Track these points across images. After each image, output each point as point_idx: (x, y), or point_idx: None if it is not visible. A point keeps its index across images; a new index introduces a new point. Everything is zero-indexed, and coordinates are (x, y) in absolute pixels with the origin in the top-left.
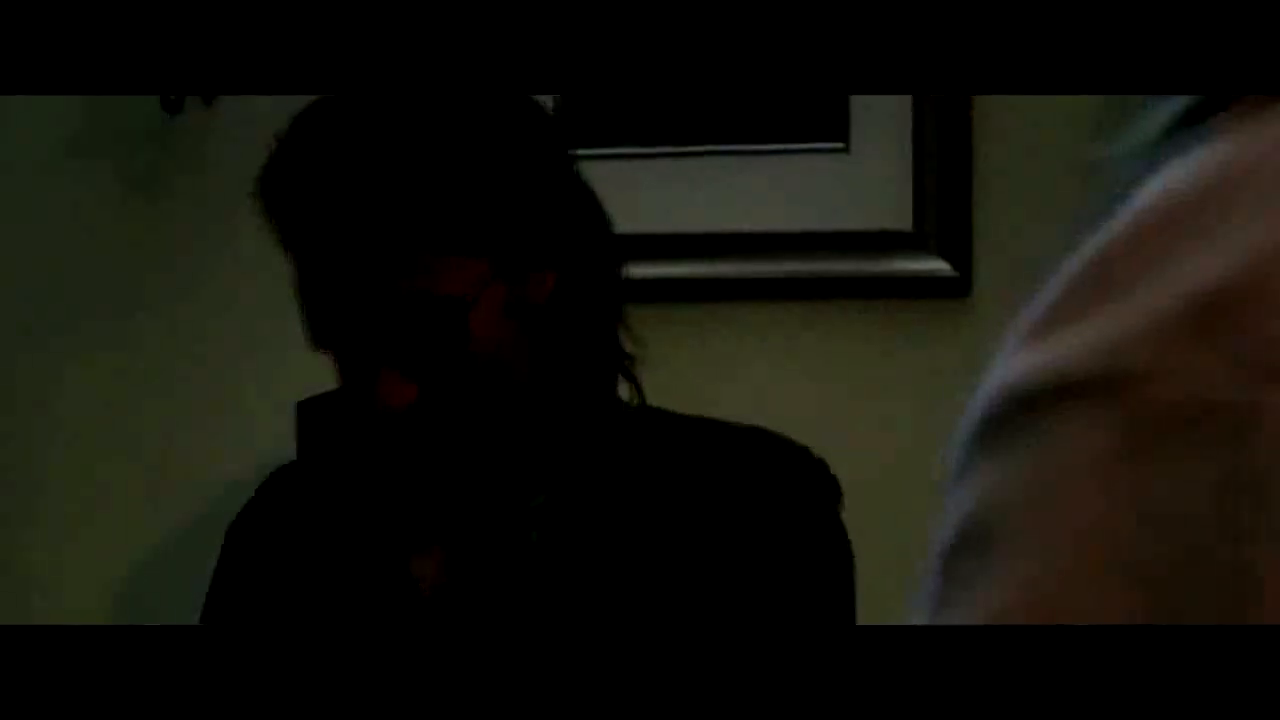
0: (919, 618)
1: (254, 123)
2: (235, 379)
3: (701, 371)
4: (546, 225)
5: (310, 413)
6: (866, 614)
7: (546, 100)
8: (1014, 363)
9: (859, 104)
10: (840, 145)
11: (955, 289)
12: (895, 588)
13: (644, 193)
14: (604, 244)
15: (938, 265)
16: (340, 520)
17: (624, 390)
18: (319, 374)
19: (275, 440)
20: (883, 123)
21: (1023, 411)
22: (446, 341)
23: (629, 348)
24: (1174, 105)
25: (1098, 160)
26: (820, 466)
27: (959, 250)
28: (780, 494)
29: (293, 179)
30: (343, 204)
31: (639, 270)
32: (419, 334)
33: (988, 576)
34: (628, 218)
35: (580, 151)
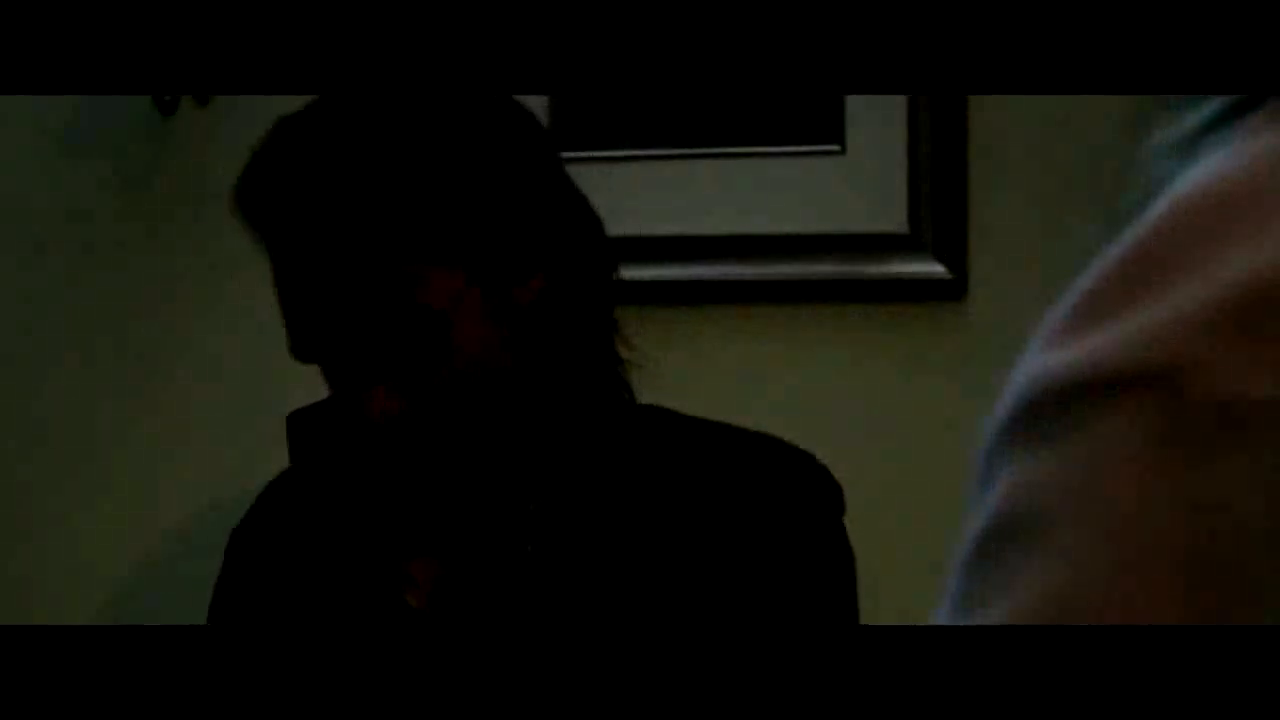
0: (947, 607)
1: (248, 123)
2: (229, 377)
3: (696, 374)
4: (529, 231)
5: (301, 424)
6: (865, 613)
7: (540, 102)
8: (1048, 357)
9: (854, 106)
10: (836, 147)
11: (951, 291)
12: (892, 587)
13: (639, 195)
14: (592, 246)
15: (933, 267)
16: (334, 535)
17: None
18: (312, 373)
19: (270, 440)
20: (878, 125)
21: (1060, 405)
22: (429, 351)
23: (624, 352)
24: (1210, 104)
25: (1132, 156)
26: (823, 474)
27: (954, 252)
28: (783, 502)
29: (270, 188)
30: (320, 214)
31: (634, 273)
32: (401, 345)
33: (1029, 563)
34: (623, 220)
35: (575, 154)
